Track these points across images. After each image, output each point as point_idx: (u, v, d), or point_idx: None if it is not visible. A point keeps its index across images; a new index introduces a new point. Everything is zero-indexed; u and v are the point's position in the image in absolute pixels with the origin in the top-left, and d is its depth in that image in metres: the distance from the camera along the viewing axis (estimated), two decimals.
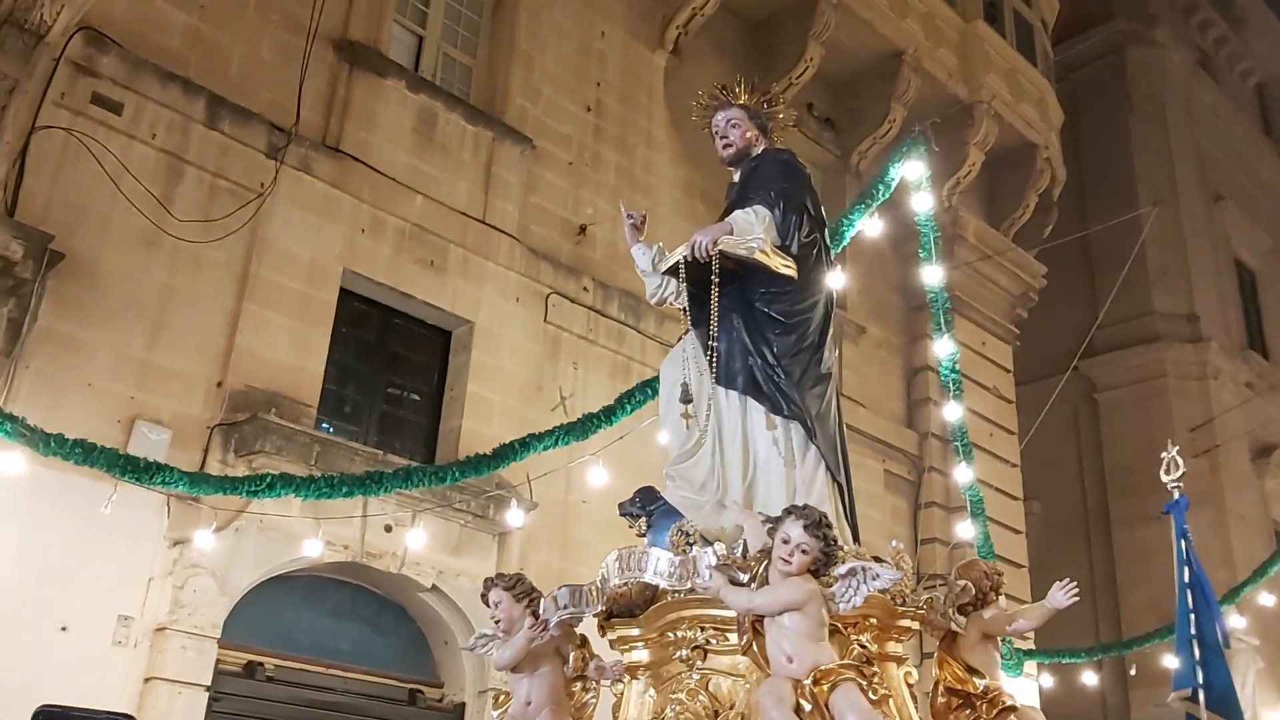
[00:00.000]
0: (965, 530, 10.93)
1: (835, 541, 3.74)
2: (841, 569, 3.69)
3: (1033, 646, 13.44)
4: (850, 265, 13.20)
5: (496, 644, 4.38)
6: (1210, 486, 17.07)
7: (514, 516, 8.84)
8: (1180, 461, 6.74)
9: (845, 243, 8.36)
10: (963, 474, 10.50)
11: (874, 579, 3.66)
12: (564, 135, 11.47)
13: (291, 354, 8.85)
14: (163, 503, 7.81)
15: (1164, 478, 6.73)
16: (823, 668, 3.48)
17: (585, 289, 10.97)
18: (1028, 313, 16.14)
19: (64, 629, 7.31)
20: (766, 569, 3.72)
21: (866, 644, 4.08)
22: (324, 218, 9.33)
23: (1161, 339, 18.40)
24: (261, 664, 8.43)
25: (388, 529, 8.78)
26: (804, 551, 3.62)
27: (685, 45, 12.76)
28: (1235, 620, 13.10)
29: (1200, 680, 6.34)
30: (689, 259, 4.41)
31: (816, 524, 3.66)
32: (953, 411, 10.19)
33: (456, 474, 7.82)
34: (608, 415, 7.53)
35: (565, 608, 4.35)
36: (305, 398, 8.83)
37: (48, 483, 7.13)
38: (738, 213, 4.56)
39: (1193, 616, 6.58)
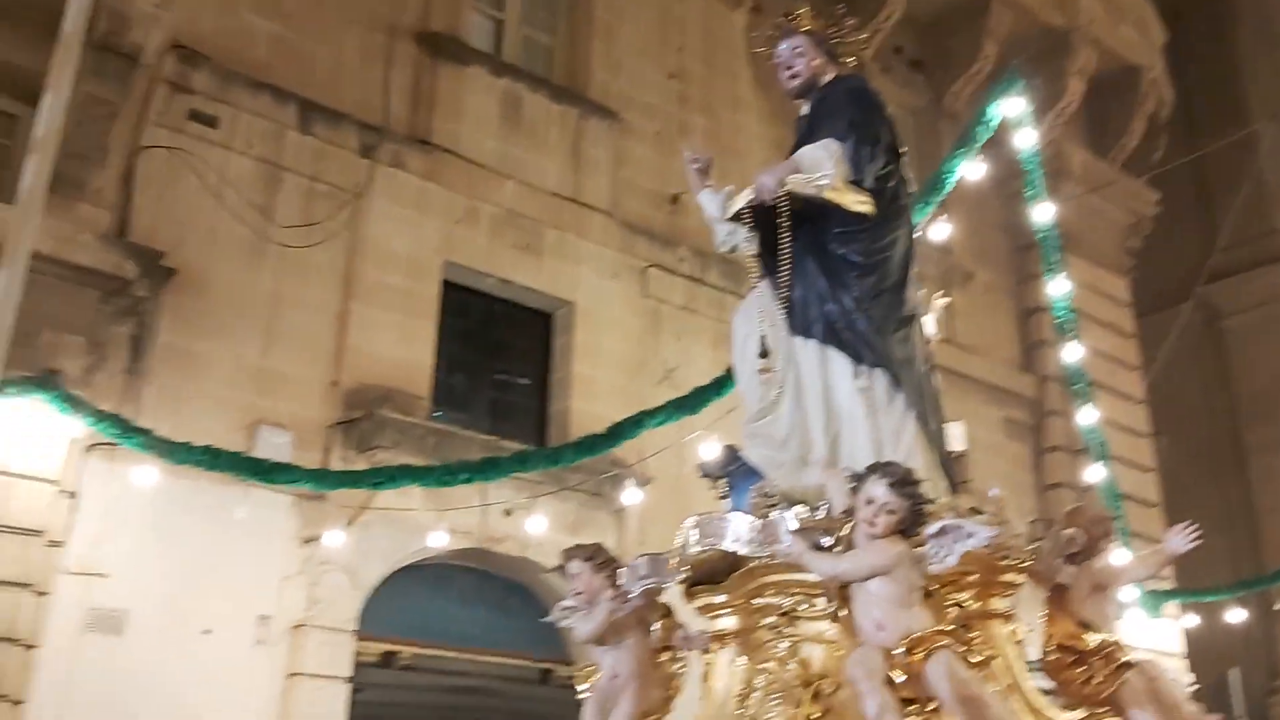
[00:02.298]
0: (1092, 474, 10.59)
1: (924, 499, 3.45)
2: (933, 528, 3.39)
3: (1172, 586, 13.05)
4: (952, 209, 12.85)
5: (579, 616, 4.25)
6: None
7: (630, 495, 8.86)
8: None
9: (949, 189, 8.10)
10: (1084, 417, 10.17)
11: (968, 537, 3.35)
12: (649, 105, 11.36)
13: (400, 349, 8.98)
14: (291, 503, 8.03)
15: None
16: (915, 635, 3.25)
17: (682, 259, 10.88)
18: (1142, 242, 15.54)
19: (207, 632, 7.57)
20: (852, 531, 3.46)
21: (966, 603, 3.82)
22: (420, 211, 9.42)
23: None
24: (398, 653, 8.64)
25: (507, 513, 8.90)
26: (890, 512, 3.35)
27: (765, 1, 12.49)
28: None
29: None
30: (755, 203, 4.14)
31: (902, 481, 3.38)
32: (1070, 353, 9.84)
33: (572, 455, 7.85)
34: (717, 387, 7.45)
35: (645, 577, 4.18)
36: (417, 390, 8.96)
37: (180, 492, 7.40)
38: (805, 148, 4.20)
39: None
